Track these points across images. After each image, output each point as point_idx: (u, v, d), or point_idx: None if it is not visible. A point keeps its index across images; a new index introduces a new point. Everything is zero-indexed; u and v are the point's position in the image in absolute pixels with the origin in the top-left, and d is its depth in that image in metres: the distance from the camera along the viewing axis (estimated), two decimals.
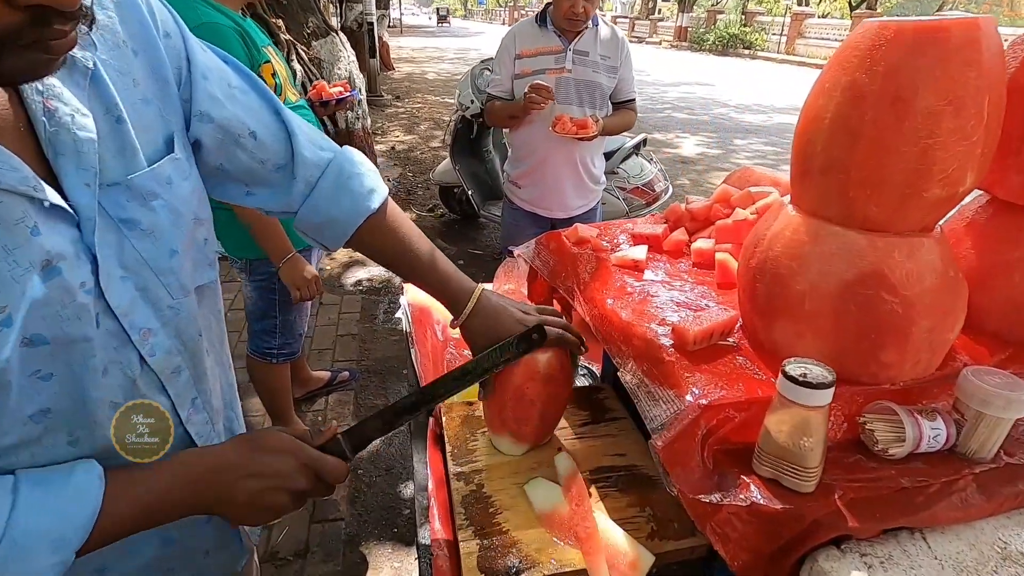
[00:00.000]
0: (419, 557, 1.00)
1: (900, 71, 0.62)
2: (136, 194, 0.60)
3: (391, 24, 23.30)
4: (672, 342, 0.82)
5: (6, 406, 0.53)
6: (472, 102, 3.97)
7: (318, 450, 0.69)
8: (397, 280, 1.31)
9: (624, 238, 1.21)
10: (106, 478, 0.57)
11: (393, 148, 7.20)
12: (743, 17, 23.21)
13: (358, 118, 4.59)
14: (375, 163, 4.95)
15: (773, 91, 12.53)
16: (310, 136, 0.80)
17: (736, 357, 0.79)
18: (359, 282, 4.00)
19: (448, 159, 4.33)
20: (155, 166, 0.61)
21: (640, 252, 1.07)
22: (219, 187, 0.76)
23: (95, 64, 0.57)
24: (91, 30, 0.54)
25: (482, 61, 4.10)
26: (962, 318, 0.73)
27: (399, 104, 9.78)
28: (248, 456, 0.65)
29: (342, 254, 4.37)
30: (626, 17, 31.28)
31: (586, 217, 2.64)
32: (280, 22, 4.17)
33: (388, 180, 5.93)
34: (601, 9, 2.47)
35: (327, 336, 3.36)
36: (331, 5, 8.71)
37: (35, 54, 0.46)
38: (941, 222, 0.75)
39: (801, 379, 0.62)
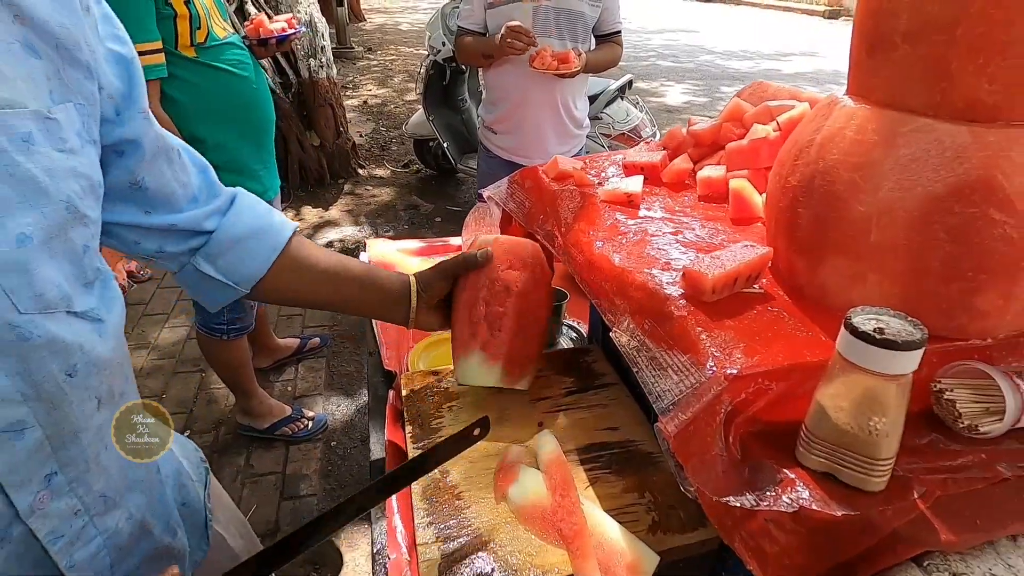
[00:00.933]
0: (373, 563, 0.83)
1: None
2: None
3: None
4: (683, 291, 0.62)
5: None
6: (444, 44, 3.67)
7: None
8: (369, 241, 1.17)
9: (614, 171, 1.00)
10: None
11: (365, 102, 6.84)
12: None
13: (322, 66, 4.24)
14: (344, 116, 4.65)
15: (758, 37, 12.18)
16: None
17: (769, 308, 0.60)
18: (331, 243, 3.78)
19: (422, 110, 4.04)
20: (15, 109, 0.45)
21: (635, 184, 0.87)
22: (118, 204, 0.61)
23: None
24: None
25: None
26: None
27: (371, 56, 9.30)
28: None
29: (312, 214, 4.12)
30: None
31: None
32: None
33: (361, 135, 5.62)
34: None
35: None
36: None
37: None
38: None
39: (877, 336, 0.43)
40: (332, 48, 4.51)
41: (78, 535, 0.52)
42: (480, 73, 2.44)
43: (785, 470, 0.50)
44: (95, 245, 0.54)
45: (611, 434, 0.91)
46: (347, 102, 5.97)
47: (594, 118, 3.56)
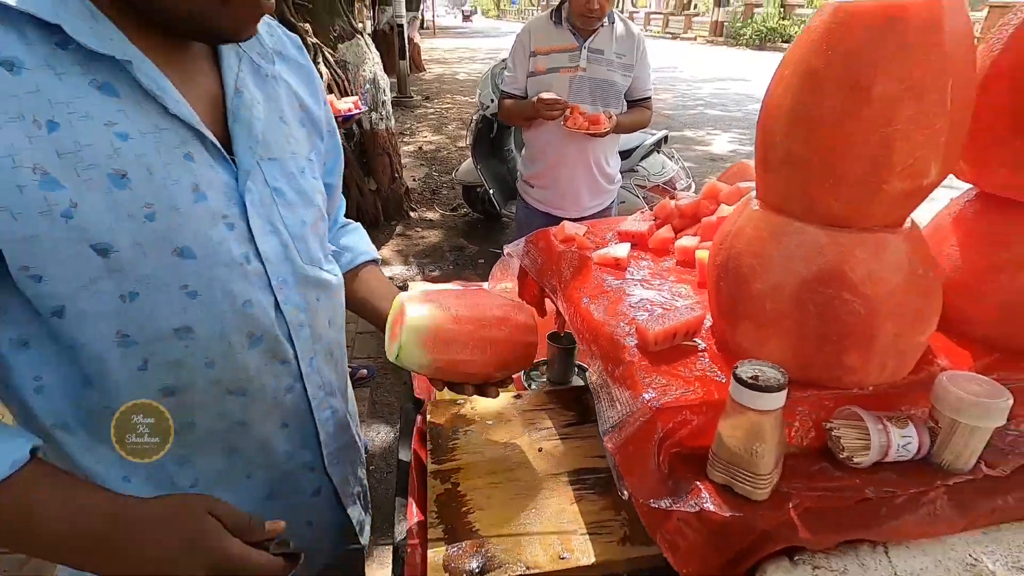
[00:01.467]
0: (394, 556, 1.00)
1: (857, 55, 0.58)
2: (284, 171, 0.75)
3: (424, 26, 23.52)
4: (636, 342, 0.79)
5: (158, 312, 0.63)
6: (492, 101, 3.97)
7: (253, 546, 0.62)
8: (411, 283, 1.37)
9: (611, 235, 1.19)
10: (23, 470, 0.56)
11: (420, 148, 7.28)
12: (781, 10, 22.43)
13: (382, 118, 4.64)
14: (399, 163, 5.02)
15: None
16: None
17: (700, 359, 0.76)
18: None
19: (471, 159, 4.35)
20: (296, 155, 0.78)
21: (622, 250, 1.05)
22: None
23: (272, 75, 0.77)
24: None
25: (503, 60, 4.09)
26: (934, 321, 0.68)
27: (428, 105, 9.87)
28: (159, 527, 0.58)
29: None
30: (660, 13, 30.69)
31: (600, 216, 2.61)
32: (308, 26, 4.27)
33: (414, 179, 5.99)
34: (635, 4, 2.43)
35: (346, 334, 3.41)
36: (364, 9, 8.84)
37: (252, 6, 0.63)
38: (925, 216, 0.71)
39: (751, 382, 0.59)
40: (392, 97, 4.92)
41: (321, 402, 0.83)
42: (522, 130, 2.69)
43: (697, 482, 0.66)
44: (326, 235, 0.87)
45: (599, 460, 1.06)
46: (403, 148, 6.38)
47: (631, 170, 3.76)
